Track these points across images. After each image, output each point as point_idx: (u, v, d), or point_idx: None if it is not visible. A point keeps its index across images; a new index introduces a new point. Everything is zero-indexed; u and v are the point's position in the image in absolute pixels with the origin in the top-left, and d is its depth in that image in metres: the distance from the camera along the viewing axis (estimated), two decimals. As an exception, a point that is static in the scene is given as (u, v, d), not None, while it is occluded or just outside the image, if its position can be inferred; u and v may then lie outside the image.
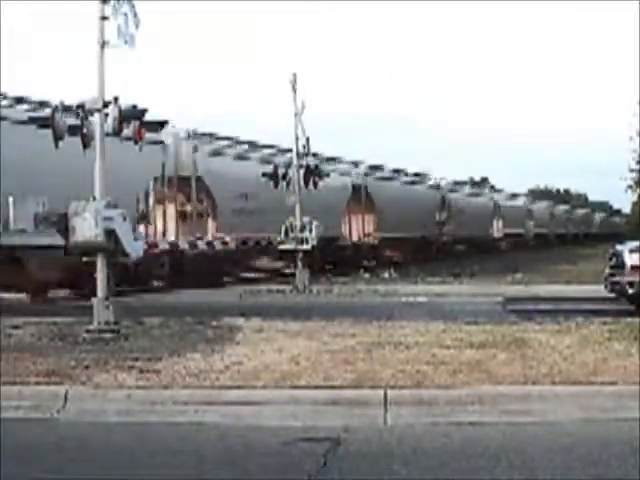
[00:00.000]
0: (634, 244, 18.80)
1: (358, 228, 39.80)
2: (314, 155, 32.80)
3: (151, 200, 26.46)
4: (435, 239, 48.16)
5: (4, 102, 21.30)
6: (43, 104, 19.83)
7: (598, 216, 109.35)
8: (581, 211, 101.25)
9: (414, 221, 43.50)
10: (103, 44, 13.90)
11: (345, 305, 20.40)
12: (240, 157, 31.44)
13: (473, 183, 77.93)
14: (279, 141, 32.71)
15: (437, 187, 50.57)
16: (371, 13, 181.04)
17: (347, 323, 14.68)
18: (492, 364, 10.36)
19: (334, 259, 35.76)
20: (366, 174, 40.51)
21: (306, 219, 27.09)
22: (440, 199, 49.56)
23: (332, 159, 37.72)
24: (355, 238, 39.56)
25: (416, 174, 49.80)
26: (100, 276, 13.86)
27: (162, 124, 17.91)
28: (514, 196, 72.49)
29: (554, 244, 73.29)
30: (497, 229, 61.11)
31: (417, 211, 44.55)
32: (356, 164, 40.54)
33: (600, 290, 19.33)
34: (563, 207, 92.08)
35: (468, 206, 53.82)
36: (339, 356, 11.04)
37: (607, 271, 18.84)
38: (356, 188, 39.11)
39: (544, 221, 75.38)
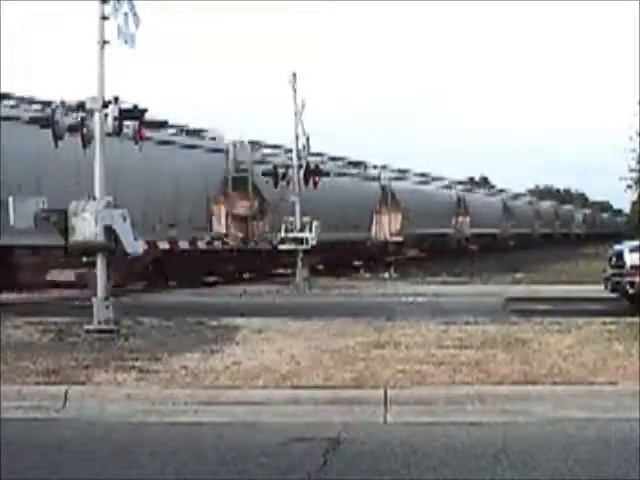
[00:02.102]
0: (634, 244, 18.81)
1: (386, 227, 42.69)
2: (340, 159, 38.61)
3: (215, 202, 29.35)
4: (453, 238, 51.50)
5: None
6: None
7: (598, 216, 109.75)
8: (582, 210, 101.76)
9: (435, 220, 46.93)
10: (103, 44, 13.90)
11: (345, 305, 20.40)
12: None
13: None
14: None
15: (452, 188, 54.83)
16: (371, 13, 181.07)
17: (347, 323, 14.68)
18: (492, 364, 10.36)
19: (363, 257, 38.54)
20: (392, 178, 44.03)
21: (306, 219, 27.09)
22: (456, 200, 52.87)
23: (359, 163, 41.63)
24: (383, 237, 42.36)
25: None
26: (100, 276, 13.86)
27: (162, 124, 17.93)
28: (516, 196, 74.69)
29: (559, 243, 74.72)
30: (507, 229, 63.60)
31: (437, 211, 47.87)
32: (383, 167, 44.09)
33: (600, 290, 19.34)
34: (567, 207, 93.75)
35: (482, 206, 57.30)
36: (339, 356, 11.05)
37: (607, 271, 18.84)
38: (384, 190, 42.07)
39: (550, 221, 77.86)
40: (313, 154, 30.65)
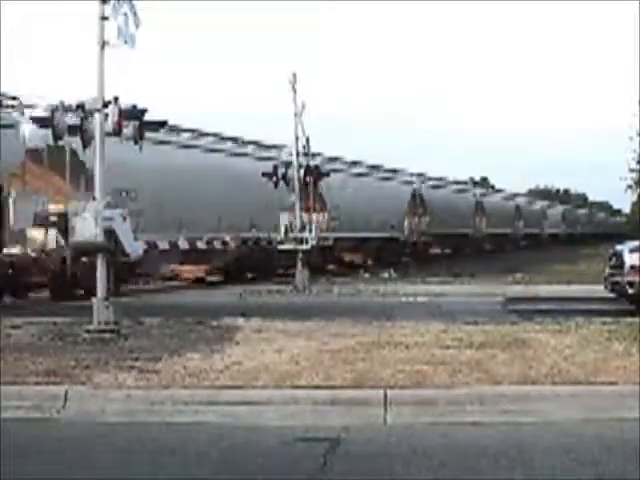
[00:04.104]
0: (634, 244, 18.81)
1: (415, 228, 47.23)
2: (377, 166, 44.96)
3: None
4: (474, 236, 57.07)
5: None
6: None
7: (598, 216, 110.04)
8: (581, 211, 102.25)
9: (457, 221, 52.55)
10: (103, 44, 13.89)
11: (345, 305, 20.39)
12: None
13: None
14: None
15: (473, 192, 61.48)
16: (371, 13, 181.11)
17: (347, 323, 14.67)
18: (492, 364, 10.36)
19: (393, 255, 41.93)
20: (422, 182, 49.53)
21: (306, 219, 27.08)
22: (475, 202, 58.73)
23: (395, 170, 47.27)
24: (414, 236, 46.79)
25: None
26: (100, 276, 13.86)
27: (162, 124, 17.89)
28: (527, 199, 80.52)
29: (566, 243, 77.05)
30: (519, 229, 68.33)
31: (459, 212, 53.40)
32: (412, 174, 49.75)
33: (600, 290, 19.34)
34: (581, 210, 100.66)
35: (497, 208, 62.60)
36: (339, 356, 11.04)
37: (607, 271, 18.84)
38: (414, 194, 46.87)
39: (557, 222, 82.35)
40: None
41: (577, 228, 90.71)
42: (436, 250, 51.44)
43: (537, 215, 76.38)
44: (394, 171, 47.22)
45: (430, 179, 52.55)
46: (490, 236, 59.96)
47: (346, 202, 36.91)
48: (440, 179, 56.01)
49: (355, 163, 42.46)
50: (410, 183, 47.34)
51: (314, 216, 31.34)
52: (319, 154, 34.59)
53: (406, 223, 45.53)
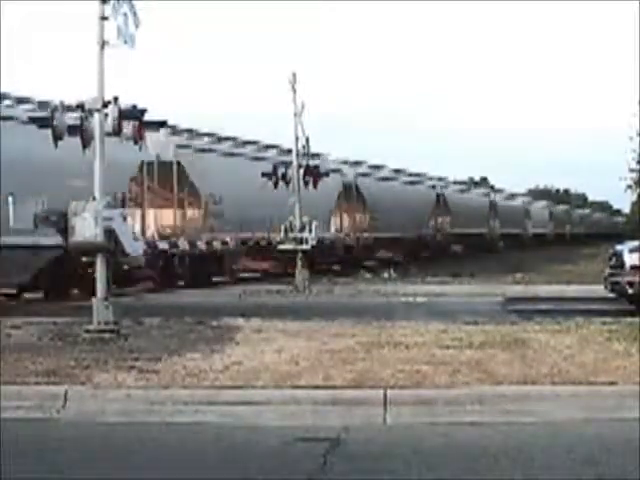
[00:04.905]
0: (634, 244, 18.80)
1: (439, 227, 52.66)
2: (402, 171, 49.66)
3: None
4: (486, 236, 61.09)
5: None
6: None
7: (598, 215, 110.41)
8: (580, 211, 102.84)
9: (474, 221, 57.23)
10: (103, 44, 13.89)
11: (345, 305, 20.38)
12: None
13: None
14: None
15: (487, 194, 66.47)
16: (371, 13, 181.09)
17: (347, 323, 14.67)
18: (492, 364, 10.36)
19: (420, 251, 46.40)
20: (445, 186, 55.30)
21: (306, 219, 27.09)
22: (489, 203, 63.42)
23: (418, 174, 51.90)
24: (438, 235, 51.60)
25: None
26: (100, 276, 13.86)
27: (162, 124, 17.90)
28: (535, 201, 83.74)
29: (571, 243, 78.85)
30: (529, 229, 72.54)
31: (474, 213, 58.00)
32: (439, 178, 55.35)
33: (600, 290, 19.33)
34: (581, 210, 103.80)
35: (508, 210, 66.83)
36: (339, 356, 11.04)
37: (607, 271, 18.84)
38: (438, 197, 52.12)
39: (563, 222, 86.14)
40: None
41: (580, 228, 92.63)
42: (455, 248, 55.77)
43: (543, 216, 79.15)
44: (417, 175, 52.00)
45: (452, 183, 58.86)
46: (503, 235, 64.05)
47: (383, 205, 41.54)
48: (460, 182, 62.22)
49: (377, 167, 46.42)
50: (434, 187, 52.60)
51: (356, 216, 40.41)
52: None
53: (432, 223, 51.22)
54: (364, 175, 42.39)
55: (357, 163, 42.85)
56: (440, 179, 55.73)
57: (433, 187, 52.43)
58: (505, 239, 64.23)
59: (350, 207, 41.13)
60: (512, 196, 75.47)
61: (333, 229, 39.16)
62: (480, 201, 62.47)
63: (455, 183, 60.17)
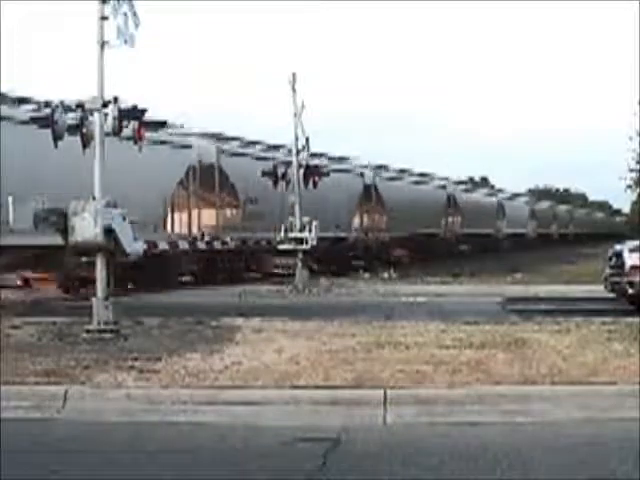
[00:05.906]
0: (634, 244, 18.79)
1: (450, 227, 54.15)
2: (410, 171, 49.73)
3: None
4: (493, 236, 61.99)
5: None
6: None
7: (598, 215, 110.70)
8: (581, 211, 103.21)
9: (483, 221, 58.35)
10: (103, 44, 13.89)
11: (345, 305, 20.39)
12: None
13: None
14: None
15: (494, 194, 67.74)
16: (371, 13, 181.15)
17: (347, 323, 14.67)
18: (492, 364, 10.36)
19: (432, 249, 47.39)
20: (455, 186, 56.42)
21: (306, 219, 27.09)
22: (497, 205, 64.67)
23: (426, 174, 52.38)
24: (449, 235, 53.26)
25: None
26: (100, 276, 13.86)
27: (162, 124, 17.93)
28: (539, 200, 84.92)
29: (572, 243, 79.39)
30: (533, 229, 73.44)
31: (483, 213, 59.16)
32: (444, 178, 55.63)
33: (600, 290, 19.34)
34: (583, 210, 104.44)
35: (514, 210, 67.78)
36: (339, 356, 11.04)
37: (607, 271, 18.84)
38: (449, 197, 53.36)
39: (565, 222, 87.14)
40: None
41: (582, 228, 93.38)
42: (462, 247, 56.32)
43: (548, 216, 79.69)
44: (425, 175, 52.62)
45: (461, 183, 60.58)
46: (509, 235, 64.70)
47: (399, 206, 42.91)
48: (468, 182, 63.70)
49: (383, 167, 45.83)
50: (444, 187, 53.44)
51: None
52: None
53: (442, 222, 52.49)
54: (384, 178, 43.66)
55: (379, 167, 43.86)
56: (445, 179, 56.28)
57: (443, 187, 53.43)
58: (509, 239, 64.92)
59: (370, 208, 42.69)
60: (515, 196, 76.07)
61: (354, 228, 40.88)
62: (488, 201, 63.62)
63: (458, 183, 60.80)
